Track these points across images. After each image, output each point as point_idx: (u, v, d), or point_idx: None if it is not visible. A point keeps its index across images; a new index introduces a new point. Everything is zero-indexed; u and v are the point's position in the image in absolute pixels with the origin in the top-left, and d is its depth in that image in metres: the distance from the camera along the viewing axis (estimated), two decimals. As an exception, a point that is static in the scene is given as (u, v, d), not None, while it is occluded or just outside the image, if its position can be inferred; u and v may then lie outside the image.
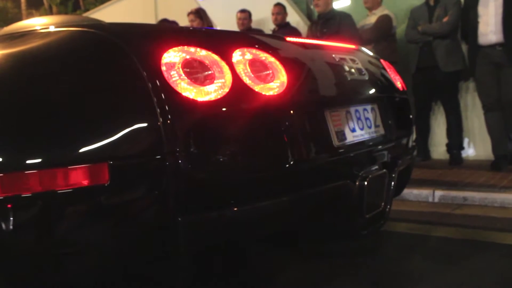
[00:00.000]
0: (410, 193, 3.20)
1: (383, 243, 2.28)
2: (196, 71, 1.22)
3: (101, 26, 1.38)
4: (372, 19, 4.33)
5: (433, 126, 4.37)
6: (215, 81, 1.22)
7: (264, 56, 1.38)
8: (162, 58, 1.19)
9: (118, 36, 1.28)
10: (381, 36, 4.21)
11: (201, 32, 1.48)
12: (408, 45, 4.32)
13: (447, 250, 2.14)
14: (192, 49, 1.25)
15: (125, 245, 1.16)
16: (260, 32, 5.23)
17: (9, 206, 1.10)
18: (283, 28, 4.92)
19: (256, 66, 1.33)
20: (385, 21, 4.24)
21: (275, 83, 1.34)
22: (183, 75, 1.19)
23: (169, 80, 1.16)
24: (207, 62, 1.24)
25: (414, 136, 4.41)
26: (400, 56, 4.27)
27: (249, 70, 1.31)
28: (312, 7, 5.63)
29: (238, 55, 1.32)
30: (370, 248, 2.18)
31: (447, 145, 4.13)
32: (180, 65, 1.20)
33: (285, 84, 1.35)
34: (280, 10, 4.94)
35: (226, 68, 1.26)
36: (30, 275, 1.17)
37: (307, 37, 4.58)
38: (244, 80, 1.28)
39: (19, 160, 1.12)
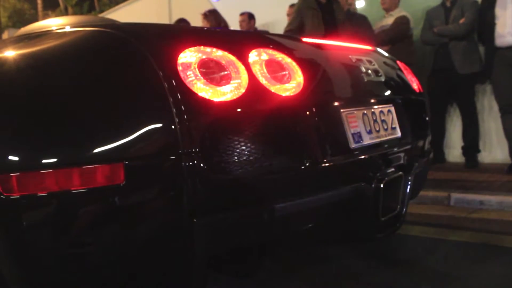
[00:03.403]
0: (426, 196, 3.15)
1: (398, 246, 2.25)
2: (212, 71, 1.21)
3: (117, 26, 1.38)
4: (389, 20, 4.29)
5: (448, 129, 4.32)
6: (231, 82, 1.21)
7: (280, 56, 1.36)
8: (178, 58, 1.18)
9: (134, 36, 1.27)
10: (399, 37, 4.17)
11: (218, 32, 1.48)
12: (424, 47, 4.28)
13: (463, 254, 2.10)
14: (208, 49, 1.24)
15: (139, 246, 1.15)
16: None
17: (25, 205, 1.10)
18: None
19: (273, 67, 1.32)
20: (403, 22, 4.19)
21: (291, 84, 1.33)
22: (199, 75, 1.18)
23: (185, 80, 1.16)
24: (223, 62, 1.24)
25: (430, 138, 4.40)
26: (416, 57, 4.22)
27: (265, 70, 1.30)
28: None
29: (255, 56, 1.31)
30: (385, 251, 2.15)
31: (463, 147, 4.08)
32: (196, 65, 1.19)
33: (302, 85, 1.34)
34: None
35: (242, 69, 1.25)
36: (44, 274, 1.18)
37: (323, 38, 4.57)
38: (260, 81, 1.27)
39: (35, 159, 1.12)
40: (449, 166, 4.09)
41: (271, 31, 5.39)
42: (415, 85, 2.04)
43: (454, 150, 4.29)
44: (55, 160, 1.12)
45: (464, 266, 1.91)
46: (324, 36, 3.51)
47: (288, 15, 4.91)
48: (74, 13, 23.01)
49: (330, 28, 3.71)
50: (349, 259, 2.06)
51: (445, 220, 2.77)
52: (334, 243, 2.05)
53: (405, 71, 2.02)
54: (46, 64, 1.33)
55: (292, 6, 4.94)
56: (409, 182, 1.69)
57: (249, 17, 5.20)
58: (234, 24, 6.29)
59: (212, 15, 5.03)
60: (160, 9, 9.02)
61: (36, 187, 1.10)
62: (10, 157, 1.14)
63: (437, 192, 3.16)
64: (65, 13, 23.84)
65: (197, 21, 5.12)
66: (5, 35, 17.02)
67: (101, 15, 12.38)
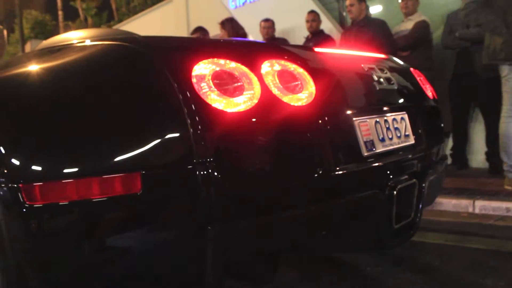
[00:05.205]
0: (449, 203, 3.11)
1: (420, 254, 2.23)
2: (225, 83, 1.24)
3: (134, 40, 1.43)
4: (408, 25, 4.24)
5: (471, 134, 4.24)
6: (244, 93, 1.25)
7: (292, 67, 1.39)
8: (193, 70, 1.22)
9: (150, 49, 1.32)
10: (418, 42, 4.13)
11: (231, 43, 1.51)
12: (444, 52, 4.23)
13: (490, 263, 2.06)
14: (221, 61, 1.28)
15: (155, 253, 1.19)
16: (284, 41, 5.23)
17: (47, 214, 1.15)
18: (317, 35, 4.89)
19: (285, 77, 1.35)
20: (422, 27, 4.15)
21: (303, 94, 1.36)
22: (213, 86, 1.22)
23: (199, 92, 1.19)
24: (236, 74, 1.27)
25: (445, 144, 4.33)
26: (435, 62, 4.18)
27: (277, 81, 1.33)
28: (345, 13, 5.59)
29: (267, 67, 1.34)
30: (404, 259, 2.15)
31: (487, 153, 3.99)
32: (210, 77, 1.23)
33: (314, 95, 1.36)
34: (314, 17, 4.92)
35: (255, 80, 1.28)
36: (64, 279, 1.22)
37: (341, 44, 4.55)
38: (273, 91, 1.30)
39: (57, 169, 1.16)
40: (472, 172, 4.02)
41: (290, 38, 5.40)
42: (429, 92, 2.05)
43: (477, 156, 4.22)
44: (75, 170, 1.16)
45: (490, 275, 1.88)
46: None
47: (307, 21, 4.91)
48: (94, 23, 23.48)
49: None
50: (369, 266, 2.06)
51: (470, 227, 2.72)
52: (349, 251, 2.06)
53: (418, 78, 2.02)
54: (67, 77, 1.39)
55: (311, 12, 4.94)
56: (423, 189, 1.69)
57: (273, 24, 5.20)
58: (252, 31, 6.33)
59: (229, 23, 5.06)
60: (178, 18, 9.11)
61: (57, 196, 1.15)
62: (33, 167, 1.19)
63: (461, 199, 3.10)
64: (85, 23, 24.33)
65: (215, 28, 5.16)
66: (28, 46, 17.46)
67: (120, 24, 12.60)
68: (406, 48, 4.16)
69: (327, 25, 5.29)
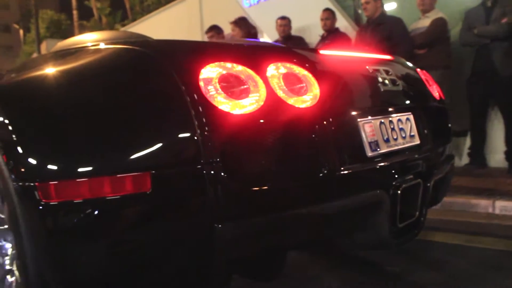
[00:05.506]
0: (468, 203, 3.06)
1: (440, 254, 2.24)
2: (232, 86, 1.29)
3: (144, 44, 1.48)
4: (425, 22, 4.17)
5: (489, 133, 4.16)
6: (250, 95, 1.29)
7: (297, 69, 1.43)
8: (200, 73, 1.27)
9: (159, 53, 1.37)
10: (436, 40, 4.06)
11: (238, 47, 1.55)
12: (462, 49, 4.14)
13: (510, 264, 2.06)
14: (228, 65, 1.32)
15: (163, 249, 1.24)
16: (300, 39, 5.22)
17: (62, 211, 1.20)
18: (332, 33, 4.84)
19: (290, 80, 1.39)
20: (440, 24, 4.09)
21: (308, 96, 1.39)
22: (220, 89, 1.26)
23: (206, 95, 1.24)
24: (242, 77, 1.31)
25: (463, 143, 4.26)
26: (453, 60, 4.11)
27: (282, 83, 1.37)
28: (360, 11, 5.51)
29: (272, 69, 1.38)
30: (422, 258, 2.16)
31: (506, 152, 3.92)
32: (216, 80, 1.27)
33: (318, 97, 1.40)
34: (329, 15, 4.86)
35: (260, 82, 1.32)
36: (80, 273, 1.27)
37: (356, 42, 4.51)
38: (278, 94, 1.34)
39: (71, 168, 1.22)
40: (491, 172, 3.95)
41: (306, 36, 5.33)
42: (436, 92, 2.07)
43: (496, 155, 4.15)
44: (89, 169, 1.21)
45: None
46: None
47: (321, 19, 4.86)
48: (108, 22, 23.73)
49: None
50: (382, 265, 2.08)
51: (490, 228, 2.69)
52: (353, 249, 2.09)
53: (425, 79, 2.05)
54: (81, 80, 1.44)
55: (326, 10, 4.89)
56: (428, 189, 1.72)
57: (289, 22, 5.16)
58: (266, 29, 6.30)
59: (242, 22, 5.09)
60: (191, 16, 9.09)
61: (72, 194, 1.20)
62: (49, 167, 1.24)
63: (480, 199, 3.05)
64: (99, 23, 24.60)
65: (229, 26, 5.14)
66: (43, 45, 17.72)
67: (134, 23, 12.71)
68: (423, 46, 4.09)
69: (342, 23, 5.22)
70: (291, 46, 2.21)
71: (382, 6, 4.38)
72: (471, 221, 2.86)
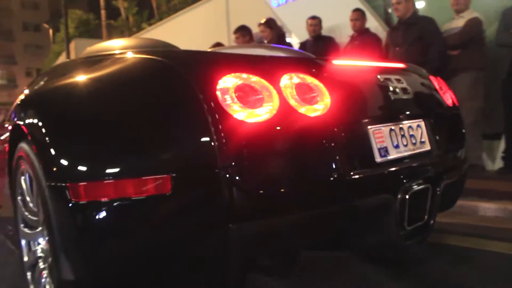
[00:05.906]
0: (504, 209, 3.03)
1: (461, 260, 2.27)
2: (247, 95, 1.38)
3: (168, 55, 1.59)
4: (459, 22, 4.07)
5: None
6: (263, 104, 1.38)
7: (309, 79, 1.51)
8: (217, 84, 1.37)
9: (180, 64, 1.47)
10: (470, 41, 3.96)
11: (254, 58, 1.64)
12: (497, 49, 4.04)
13: None
14: (244, 75, 1.42)
15: (182, 248, 1.34)
16: (330, 39, 5.16)
17: (90, 210, 1.32)
18: (363, 34, 4.79)
19: (302, 90, 1.48)
20: (475, 24, 3.98)
21: (319, 105, 1.48)
22: (235, 99, 1.36)
23: (222, 103, 1.34)
24: (257, 87, 1.41)
25: (497, 147, 4.17)
26: (488, 61, 4.03)
27: (295, 93, 1.45)
28: (390, 10, 5.40)
29: (286, 80, 1.47)
30: (441, 262, 2.20)
31: None
32: (233, 90, 1.37)
33: (329, 106, 1.48)
34: (359, 16, 4.78)
35: (274, 92, 1.41)
36: (106, 270, 1.38)
37: (387, 43, 4.44)
38: (290, 103, 1.43)
39: (100, 170, 1.33)
40: None
41: (335, 36, 5.27)
42: (449, 99, 2.12)
43: (531, 159, 4.01)
44: (115, 171, 1.33)
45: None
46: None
47: (351, 20, 4.79)
48: (135, 22, 24.18)
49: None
50: (392, 266, 2.14)
51: None
52: (363, 250, 2.16)
53: (438, 86, 2.09)
54: (109, 87, 1.55)
55: (356, 10, 4.81)
56: (437, 194, 1.78)
57: (320, 21, 5.13)
58: (294, 29, 6.26)
59: (273, 23, 5.07)
60: (218, 16, 9.08)
61: (99, 194, 1.32)
62: (79, 168, 1.36)
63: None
64: (126, 22, 25.08)
65: (256, 26, 5.12)
66: (72, 45, 18.18)
67: (160, 22, 12.92)
68: (457, 46, 3.99)
69: (372, 23, 5.11)
70: (303, 56, 2.28)
71: (414, 5, 4.27)
72: (507, 227, 2.81)
